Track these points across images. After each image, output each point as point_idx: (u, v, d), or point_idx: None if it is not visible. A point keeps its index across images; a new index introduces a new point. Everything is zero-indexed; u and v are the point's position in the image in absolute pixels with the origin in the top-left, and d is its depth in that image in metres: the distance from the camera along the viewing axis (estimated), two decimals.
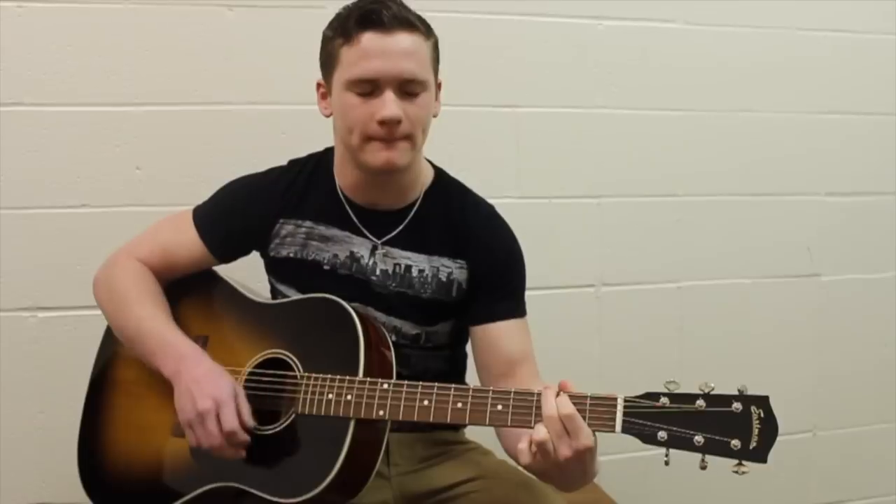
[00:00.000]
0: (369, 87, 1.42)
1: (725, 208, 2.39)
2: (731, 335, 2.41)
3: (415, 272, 1.54)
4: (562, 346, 2.21)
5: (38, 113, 1.93)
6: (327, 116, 1.54)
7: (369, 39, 1.40)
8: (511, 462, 1.62)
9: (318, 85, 1.54)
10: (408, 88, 1.43)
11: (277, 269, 1.61)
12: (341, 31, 1.43)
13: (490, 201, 1.62)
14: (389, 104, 1.41)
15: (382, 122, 1.41)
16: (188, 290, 1.61)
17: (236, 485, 1.41)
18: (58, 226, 1.95)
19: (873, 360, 2.56)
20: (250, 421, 1.39)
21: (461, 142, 2.12)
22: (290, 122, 2.03)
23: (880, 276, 2.55)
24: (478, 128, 2.17)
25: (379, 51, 1.40)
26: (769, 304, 2.45)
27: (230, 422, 1.36)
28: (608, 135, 2.28)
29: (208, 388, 1.38)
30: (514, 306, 1.55)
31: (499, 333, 1.53)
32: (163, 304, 1.56)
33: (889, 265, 2.55)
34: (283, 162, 1.66)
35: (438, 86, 1.53)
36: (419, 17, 1.46)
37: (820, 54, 2.42)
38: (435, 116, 1.53)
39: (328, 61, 1.48)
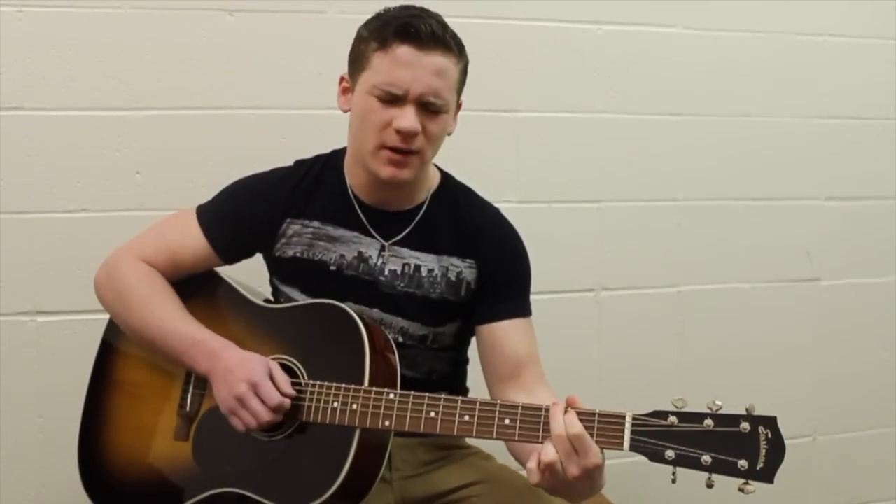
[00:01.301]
0: (392, 97, 1.43)
1: (725, 213, 2.39)
2: (731, 339, 2.41)
3: (424, 272, 1.55)
4: (562, 350, 2.20)
5: (38, 117, 1.93)
6: (345, 111, 1.54)
7: (404, 52, 1.42)
8: (512, 466, 1.62)
9: (342, 79, 1.55)
10: (429, 106, 1.45)
11: (282, 270, 1.61)
12: (378, 36, 1.45)
13: None
14: (409, 116, 1.43)
15: (399, 132, 1.43)
16: (192, 294, 1.59)
17: (238, 490, 1.42)
18: (58, 230, 1.95)
19: (873, 365, 2.56)
20: (290, 389, 1.40)
21: (461, 146, 2.10)
22: (290, 127, 2.03)
23: (880, 281, 2.55)
24: (478, 132, 2.17)
25: (410, 65, 1.42)
26: (769, 309, 2.45)
27: (272, 397, 1.38)
28: (608, 139, 2.28)
29: (241, 374, 1.40)
30: (519, 305, 1.56)
31: (504, 333, 1.54)
32: (179, 303, 1.56)
33: (888, 269, 2.55)
34: None
35: (459, 106, 1.55)
36: (455, 38, 1.48)
37: (819, 59, 2.42)
38: (449, 135, 1.55)
39: (358, 61, 1.49)
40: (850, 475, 2.56)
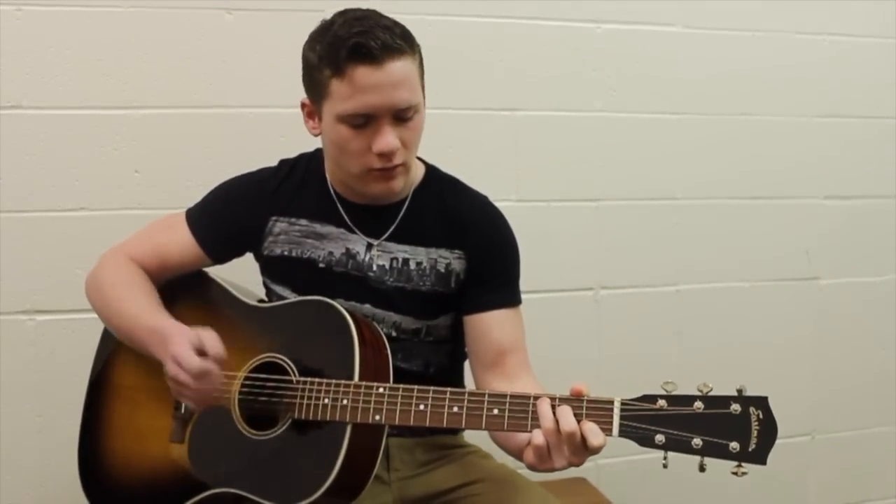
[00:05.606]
0: (363, 120, 1.40)
1: (724, 212, 2.39)
2: (730, 338, 2.41)
3: (413, 265, 1.54)
4: (561, 349, 2.20)
5: (36, 116, 1.93)
6: (316, 136, 1.52)
7: (362, 74, 1.36)
8: (511, 465, 1.62)
9: (303, 105, 1.51)
10: (402, 115, 1.41)
11: (271, 269, 1.61)
12: (330, 62, 1.38)
13: None
14: (387, 136, 1.40)
15: (381, 154, 1.41)
16: (182, 294, 1.60)
17: (235, 490, 1.42)
18: (56, 229, 1.95)
19: (872, 364, 2.56)
20: (218, 349, 1.37)
21: (460, 145, 2.12)
22: (288, 126, 2.01)
23: (879, 280, 2.55)
24: (477, 131, 2.17)
25: (372, 85, 1.37)
26: (768, 308, 2.45)
27: (192, 364, 1.34)
28: (607, 138, 2.28)
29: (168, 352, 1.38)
30: (508, 296, 1.55)
31: (491, 323, 1.53)
32: (151, 293, 1.56)
33: (888, 268, 2.55)
34: None
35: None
36: (404, 35, 1.41)
37: (819, 58, 2.42)
38: None
39: (316, 89, 1.44)
40: (849, 474, 2.56)
